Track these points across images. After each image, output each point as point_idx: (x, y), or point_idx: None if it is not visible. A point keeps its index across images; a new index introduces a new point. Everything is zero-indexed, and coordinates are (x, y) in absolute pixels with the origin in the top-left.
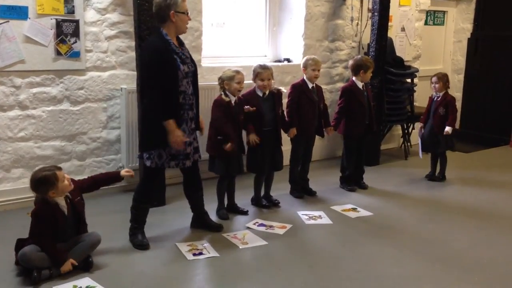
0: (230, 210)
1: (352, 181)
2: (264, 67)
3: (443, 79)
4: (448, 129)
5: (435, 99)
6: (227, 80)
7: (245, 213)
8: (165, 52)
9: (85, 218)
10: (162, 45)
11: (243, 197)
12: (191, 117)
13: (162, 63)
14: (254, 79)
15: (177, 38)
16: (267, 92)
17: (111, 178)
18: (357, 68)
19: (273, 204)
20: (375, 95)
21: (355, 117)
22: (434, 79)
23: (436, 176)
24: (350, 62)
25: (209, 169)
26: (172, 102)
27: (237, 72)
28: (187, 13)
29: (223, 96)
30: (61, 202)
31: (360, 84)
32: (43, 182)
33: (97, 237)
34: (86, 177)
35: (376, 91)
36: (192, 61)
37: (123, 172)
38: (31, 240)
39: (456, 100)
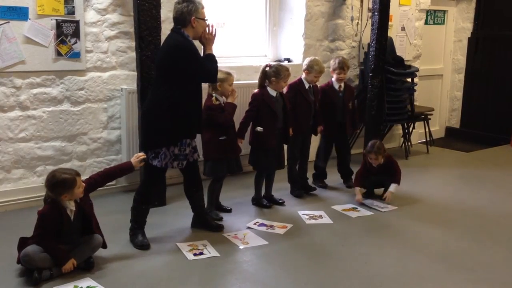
0: (216, 208)
1: (323, 178)
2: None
3: (381, 152)
4: (392, 188)
5: (374, 164)
6: (221, 81)
7: (229, 211)
8: (196, 50)
9: (96, 219)
10: (191, 44)
11: (243, 197)
12: None
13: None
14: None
15: None
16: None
17: (124, 170)
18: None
19: (277, 203)
20: (375, 94)
21: (327, 117)
22: (372, 155)
23: (382, 194)
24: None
25: (207, 173)
26: (195, 98)
27: (230, 74)
28: (206, 20)
29: (213, 100)
30: (70, 205)
31: (336, 85)
32: (61, 184)
33: (98, 239)
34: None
35: (376, 91)
36: None
37: (134, 162)
38: (33, 239)
39: (457, 100)
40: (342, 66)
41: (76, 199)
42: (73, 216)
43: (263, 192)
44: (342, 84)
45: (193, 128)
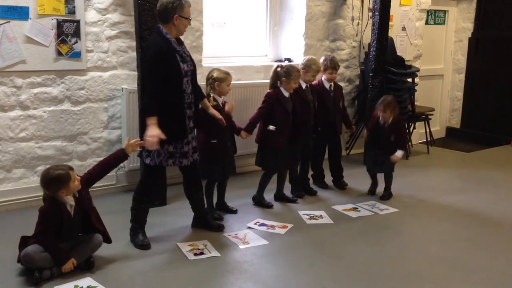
0: (220, 209)
1: (322, 178)
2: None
3: (389, 107)
4: (399, 153)
5: (382, 124)
6: (219, 81)
7: (234, 211)
8: (167, 50)
9: (96, 213)
10: (163, 43)
11: (243, 197)
12: (189, 116)
13: (164, 60)
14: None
15: (177, 38)
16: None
17: (118, 158)
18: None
19: (290, 201)
20: (376, 94)
21: (320, 117)
22: (380, 107)
23: (382, 195)
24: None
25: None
26: (174, 100)
27: (229, 73)
28: (190, 19)
29: (211, 100)
30: (70, 201)
31: (327, 84)
32: (56, 180)
33: (98, 239)
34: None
35: (377, 91)
36: (191, 60)
37: (128, 148)
38: (34, 238)
39: (457, 100)
40: (335, 66)
41: (74, 194)
42: (73, 211)
43: (274, 191)
44: (332, 84)
45: (178, 130)
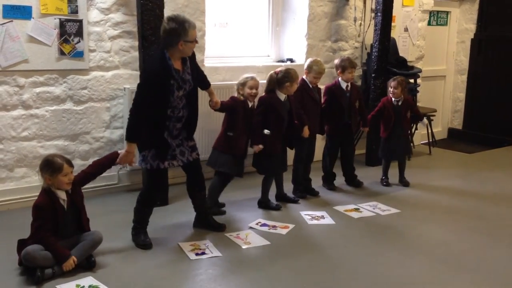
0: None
1: (332, 180)
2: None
3: (402, 84)
4: (424, 120)
5: (396, 104)
6: (240, 85)
7: (222, 212)
8: (163, 78)
9: (85, 212)
10: (161, 71)
11: (245, 197)
12: (177, 128)
13: (156, 88)
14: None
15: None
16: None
17: (112, 160)
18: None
19: (291, 201)
20: (378, 95)
21: (334, 117)
22: (393, 83)
23: (402, 180)
24: (337, 62)
25: (213, 165)
26: (156, 121)
27: (251, 78)
28: (196, 41)
29: (239, 96)
30: (62, 195)
31: (344, 84)
32: (47, 164)
33: (98, 236)
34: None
35: (379, 92)
36: (193, 78)
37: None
38: (32, 239)
39: (459, 101)
40: (354, 65)
41: (66, 189)
42: (66, 205)
43: (275, 192)
44: (349, 84)
45: (161, 149)
